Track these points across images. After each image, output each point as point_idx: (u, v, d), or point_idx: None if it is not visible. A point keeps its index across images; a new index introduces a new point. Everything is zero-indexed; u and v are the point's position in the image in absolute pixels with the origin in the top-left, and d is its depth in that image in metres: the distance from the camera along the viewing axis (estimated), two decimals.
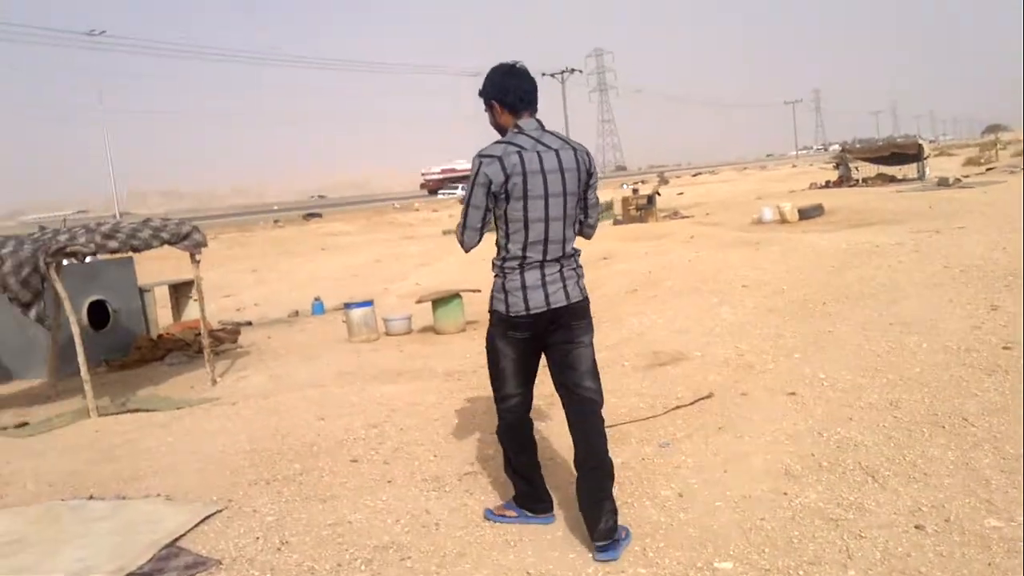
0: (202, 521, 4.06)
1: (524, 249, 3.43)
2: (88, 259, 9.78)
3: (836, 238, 12.76)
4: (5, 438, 6.21)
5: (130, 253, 8.04)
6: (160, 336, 10.42)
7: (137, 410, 6.84)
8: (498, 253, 3.50)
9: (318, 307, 12.90)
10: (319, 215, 48.56)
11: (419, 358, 8.10)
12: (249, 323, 12.37)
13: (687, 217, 23.34)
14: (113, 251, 7.53)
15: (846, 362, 5.87)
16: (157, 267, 16.29)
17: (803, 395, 5.27)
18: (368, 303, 9.52)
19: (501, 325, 3.58)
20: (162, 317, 11.51)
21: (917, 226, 13.56)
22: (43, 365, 8.72)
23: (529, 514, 3.89)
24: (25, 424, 6.49)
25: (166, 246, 8.14)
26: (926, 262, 9.34)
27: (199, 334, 8.79)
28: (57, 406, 7.64)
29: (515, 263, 3.44)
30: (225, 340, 10.36)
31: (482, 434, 5.26)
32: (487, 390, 6.57)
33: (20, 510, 4.32)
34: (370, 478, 4.68)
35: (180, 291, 11.82)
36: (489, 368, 3.79)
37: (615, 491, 3.59)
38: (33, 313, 6.56)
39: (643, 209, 22.70)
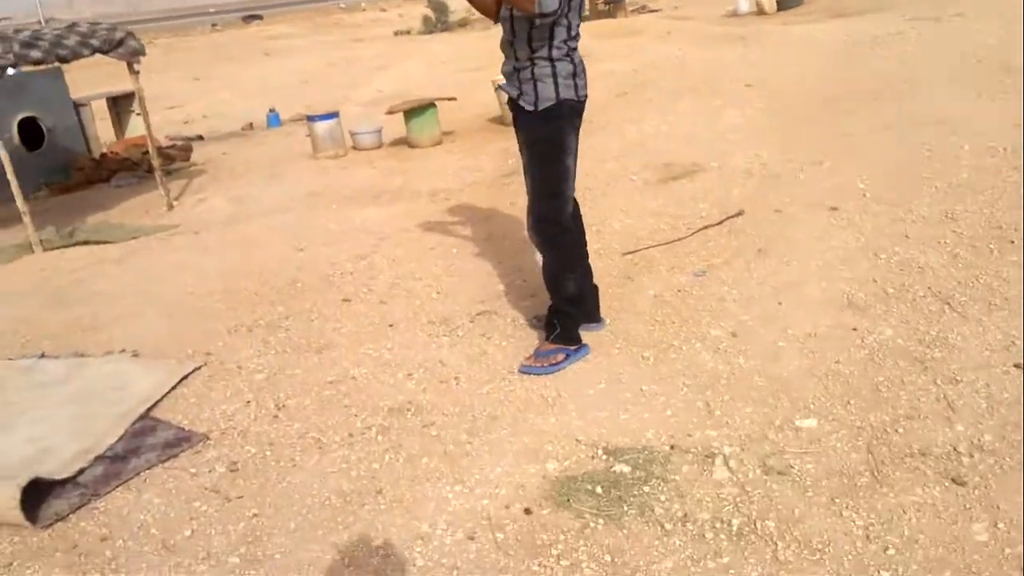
0: (179, 383, 3.48)
1: (571, 35, 3.21)
2: (11, 71, 8.58)
3: (829, 29, 11.82)
4: None
5: (56, 64, 6.93)
6: (103, 155, 9.43)
7: (87, 242, 6.08)
8: (552, 39, 3.16)
9: (274, 119, 11.82)
10: (259, 17, 45.20)
11: (396, 176, 7.33)
12: (200, 137, 11.33)
13: (656, 11, 21.90)
14: (36, 62, 6.45)
15: (883, 169, 5.27)
16: (89, 77, 14.81)
17: (846, 210, 4.69)
18: (333, 115, 8.56)
19: (571, 114, 3.26)
20: (101, 132, 10.42)
21: (910, 13, 12.62)
22: None
23: (572, 349, 3.41)
24: None
25: (97, 55, 7.04)
26: (938, 53, 8.57)
27: (147, 152, 7.87)
28: None
29: (574, 45, 3.25)
30: (176, 158, 9.41)
31: (489, 265, 4.66)
32: (480, 212, 6.01)
33: None
34: (367, 321, 4.09)
35: (120, 104, 10.66)
36: (548, 169, 3.30)
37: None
38: None
39: (612, 3, 21.17)
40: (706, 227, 4.79)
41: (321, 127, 8.47)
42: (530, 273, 4.47)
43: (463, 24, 26.34)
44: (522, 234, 5.07)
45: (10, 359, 3.83)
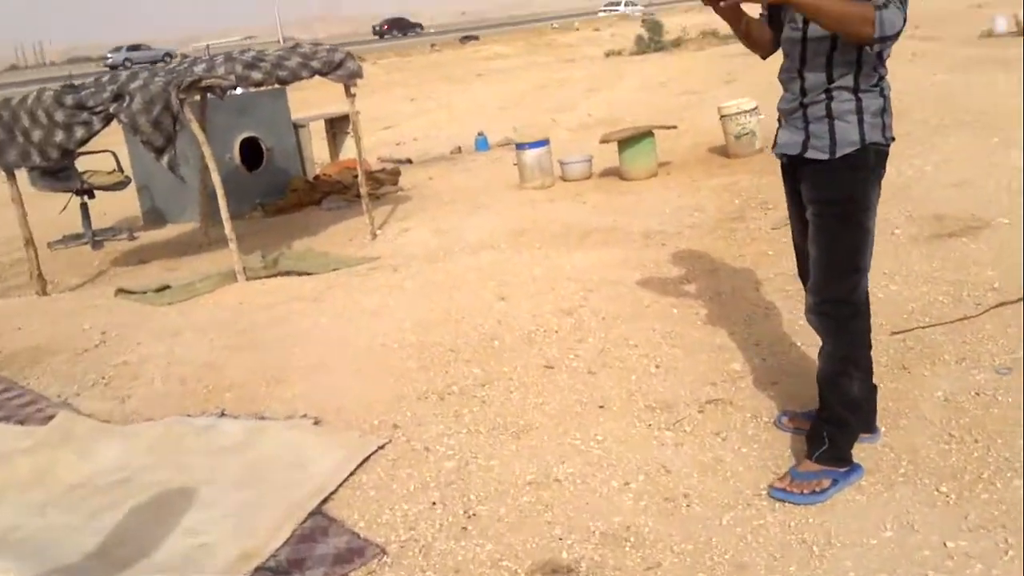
0: (360, 465, 3.01)
1: (882, 58, 2.48)
2: (239, 90, 8.82)
3: None
4: (143, 305, 5.45)
5: (275, 85, 6.93)
6: (317, 177, 9.52)
7: (288, 272, 5.92)
8: (860, 65, 2.46)
9: (482, 143, 11.62)
10: (476, 37, 46.54)
11: (607, 212, 6.71)
12: (409, 161, 11.31)
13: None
14: (257, 83, 6.41)
15: None
16: (305, 98, 15.40)
17: None
18: (543, 143, 8.10)
19: (877, 163, 2.55)
20: (317, 153, 10.61)
21: None
22: (197, 207, 8.01)
23: (842, 472, 2.64)
24: (166, 288, 5.72)
25: (316, 76, 6.98)
26: None
27: (357, 176, 7.75)
28: (206, 259, 6.90)
29: (884, 72, 2.52)
30: (385, 182, 9.33)
31: (718, 334, 3.92)
32: (704, 263, 4.99)
33: (138, 431, 3.43)
34: (574, 397, 3.47)
35: (336, 126, 10.81)
36: (845, 236, 2.56)
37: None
38: (165, 160, 5.61)
39: None
40: (1001, 304, 3.79)
41: (530, 156, 8.03)
42: (770, 350, 3.69)
43: (677, 44, 25.49)
44: (755, 295, 4.29)
45: (190, 415, 3.56)
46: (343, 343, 4.28)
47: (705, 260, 5.09)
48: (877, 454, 2.79)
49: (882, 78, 2.49)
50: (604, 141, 8.04)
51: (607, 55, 26.22)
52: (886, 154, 2.54)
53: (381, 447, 3.14)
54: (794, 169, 2.67)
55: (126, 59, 51.30)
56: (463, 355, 4.01)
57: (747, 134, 7.94)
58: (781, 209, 6.00)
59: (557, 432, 3.21)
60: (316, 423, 3.37)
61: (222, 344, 4.46)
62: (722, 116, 8.08)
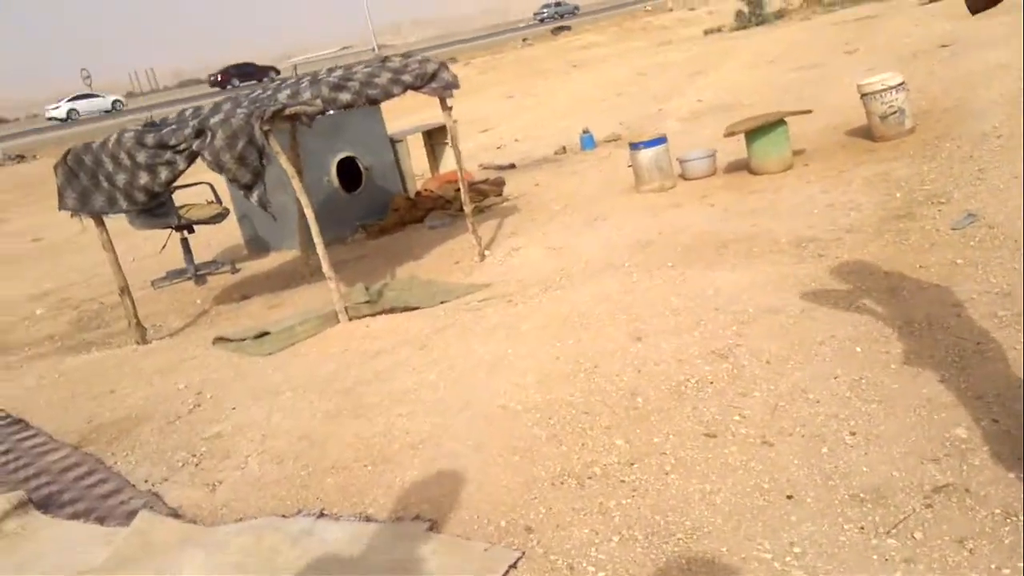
0: None
1: None
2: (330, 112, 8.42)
3: None
4: (241, 357, 5.01)
5: (364, 104, 6.41)
6: (418, 194, 9.02)
7: (392, 310, 5.38)
8: None
9: (588, 140, 10.89)
10: (568, 28, 45.64)
11: (743, 217, 5.89)
12: (512, 165, 10.69)
13: None
14: (345, 105, 5.88)
15: None
16: (402, 105, 14.95)
17: None
18: (660, 140, 7.30)
19: None
20: (417, 166, 10.13)
21: None
22: (297, 235, 7.63)
23: None
24: (265, 335, 5.26)
25: (410, 91, 6.43)
26: None
27: (460, 189, 7.17)
28: (309, 292, 6.48)
29: None
30: (489, 193, 8.74)
31: (922, 380, 3.10)
32: (878, 279, 4.10)
33: (225, 541, 2.90)
34: (750, 482, 2.74)
35: (435, 136, 10.29)
36: None
37: None
38: (255, 197, 5.15)
39: None
40: None
41: (645, 156, 7.26)
42: (1001, 406, 2.86)
43: (780, 15, 23.96)
44: (958, 323, 3.44)
45: (284, 516, 3.01)
46: (455, 407, 3.66)
47: (879, 275, 4.23)
48: None
49: None
50: (730, 134, 7.18)
51: (706, 33, 24.93)
52: None
53: (513, 566, 2.50)
54: None
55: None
56: (601, 420, 3.32)
57: (894, 113, 6.93)
58: (957, 203, 5.07)
59: (736, 538, 2.49)
60: (431, 528, 2.76)
61: (323, 409, 3.92)
62: (863, 94, 7.08)
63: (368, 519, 2.89)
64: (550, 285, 5.23)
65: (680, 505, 2.70)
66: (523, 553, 2.57)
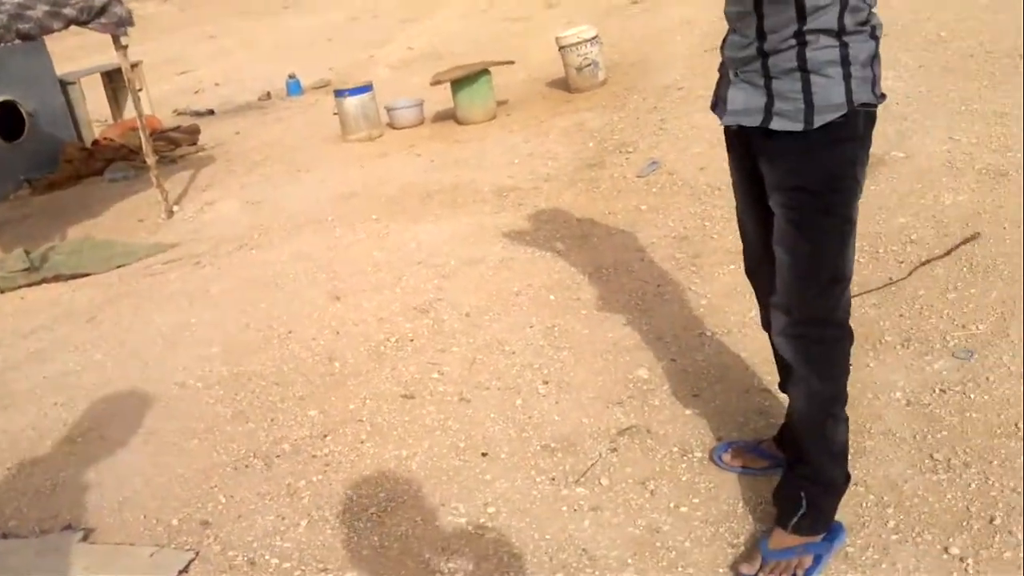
0: None
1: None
2: None
3: None
4: None
5: (16, 41, 5.46)
6: (96, 143, 8.00)
7: (56, 278, 4.68)
8: (843, 7, 1.68)
9: (294, 86, 10.30)
10: None
11: (448, 167, 5.81)
12: (211, 112, 9.85)
13: None
14: None
15: None
16: (81, 45, 13.26)
17: None
18: (366, 88, 7.01)
19: (867, 131, 1.79)
20: (95, 112, 9.01)
21: None
22: None
23: (824, 542, 1.98)
24: None
25: (73, 27, 5.57)
26: None
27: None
28: None
29: (873, 2, 1.74)
30: (181, 142, 7.97)
31: (609, 325, 3.18)
32: (572, 227, 4.20)
33: None
34: (447, 442, 2.65)
35: (116, 79, 9.14)
36: (824, 233, 1.82)
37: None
38: None
39: None
40: (929, 260, 3.27)
41: (351, 104, 6.95)
42: (678, 345, 3.00)
43: None
44: (641, 267, 3.59)
45: None
46: (126, 390, 3.21)
47: (572, 222, 4.33)
48: (853, 498, 2.15)
49: (873, 13, 1.74)
50: (435, 83, 7.06)
51: None
52: (875, 116, 1.81)
53: (183, 570, 2.20)
54: (748, 140, 1.90)
55: None
56: (294, 390, 3.07)
57: (589, 65, 7.20)
58: (643, 152, 5.36)
59: (431, 505, 2.37)
60: (85, 537, 2.36)
61: None
62: (561, 47, 7.27)
63: (5, 536, 2.42)
64: (245, 243, 4.81)
65: (375, 476, 2.54)
66: (197, 553, 2.27)
